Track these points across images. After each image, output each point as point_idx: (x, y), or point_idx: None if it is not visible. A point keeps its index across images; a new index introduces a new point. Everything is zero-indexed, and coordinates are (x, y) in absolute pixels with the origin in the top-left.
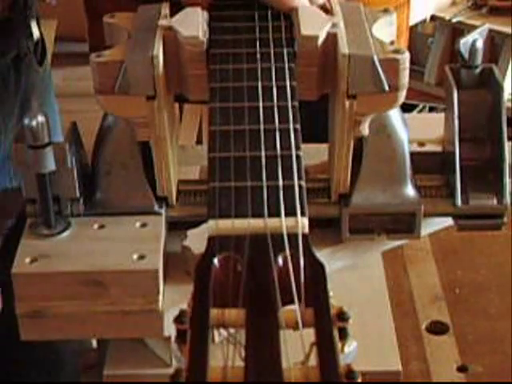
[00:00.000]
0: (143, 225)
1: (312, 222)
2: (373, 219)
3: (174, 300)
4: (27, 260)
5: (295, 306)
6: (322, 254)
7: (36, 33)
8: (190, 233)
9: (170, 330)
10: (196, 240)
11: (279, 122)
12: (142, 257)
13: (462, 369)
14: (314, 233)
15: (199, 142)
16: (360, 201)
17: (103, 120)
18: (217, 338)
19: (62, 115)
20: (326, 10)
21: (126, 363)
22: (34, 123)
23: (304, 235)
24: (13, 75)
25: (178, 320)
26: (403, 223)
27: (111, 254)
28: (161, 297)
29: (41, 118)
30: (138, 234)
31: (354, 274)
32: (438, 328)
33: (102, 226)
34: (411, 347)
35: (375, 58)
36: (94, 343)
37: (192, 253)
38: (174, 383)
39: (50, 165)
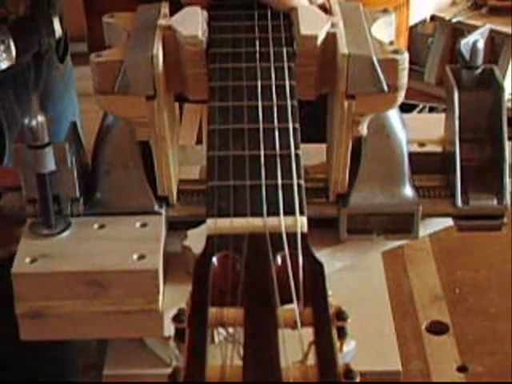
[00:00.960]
0: (143, 225)
1: (311, 222)
2: (371, 219)
3: (173, 300)
4: (27, 260)
5: (294, 305)
6: (321, 255)
7: (58, 30)
8: (191, 233)
9: (170, 330)
10: (196, 240)
11: (278, 121)
12: (142, 257)
13: (461, 369)
14: (313, 233)
15: (199, 141)
16: (358, 201)
17: (103, 120)
18: (216, 339)
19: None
20: (325, 9)
21: (125, 363)
22: (33, 123)
23: (303, 234)
24: (33, 72)
25: (177, 319)
26: (401, 223)
27: (111, 254)
28: (161, 297)
29: (41, 118)
30: (138, 234)
31: (354, 275)
32: (437, 328)
33: (102, 226)
34: (411, 347)
35: (374, 58)
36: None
37: (192, 253)
38: (172, 383)
39: (50, 165)
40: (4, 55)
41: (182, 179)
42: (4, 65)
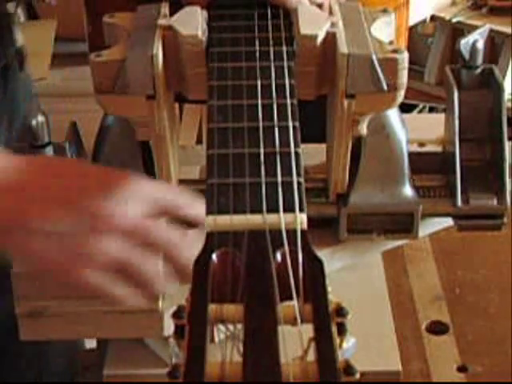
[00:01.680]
0: None
1: (311, 222)
2: (371, 219)
3: (173, 300)
4: None
5: (294, 302)
6: (321, 255)
7: (20, 40)
8: None
9: (170, 330)
10: None
11: (278, 120)
12: None
13: (462, 369)
14: (313, 233)
15: (199, 141)
16: (358, 201)
17: (103, 120)
18: (217, 339)
19: (61, 115)
20: (321, 7)
21: (125, 363)
22: (33, 123)
23: (303, 231)
24: (2, 85)
25: (177, 315)
26: (401, 223)
27: None
28: (161, 297)
29: (41, 118)
30: None
31: (354, 274)
32: (437, 328)
33: None
34: (411, 347)
35: (374, 58)
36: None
37: None
38: (172, 383)
39: None
40: None
41: (181, 179)
42: None
